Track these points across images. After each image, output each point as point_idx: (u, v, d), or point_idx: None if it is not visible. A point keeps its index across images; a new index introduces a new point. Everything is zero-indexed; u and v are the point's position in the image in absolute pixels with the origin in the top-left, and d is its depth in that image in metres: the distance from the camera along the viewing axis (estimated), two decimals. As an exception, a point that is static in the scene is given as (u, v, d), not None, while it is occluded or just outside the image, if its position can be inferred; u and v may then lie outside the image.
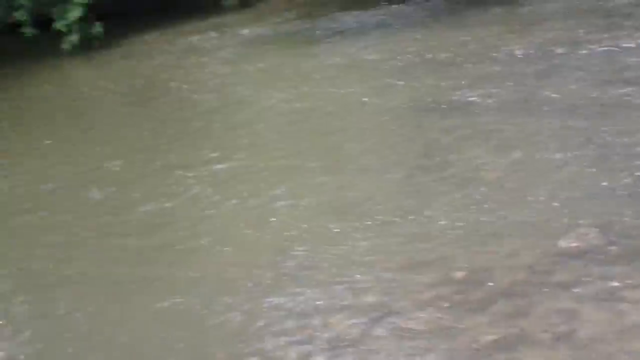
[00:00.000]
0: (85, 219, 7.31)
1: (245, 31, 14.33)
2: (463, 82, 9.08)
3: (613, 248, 5.29)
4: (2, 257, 6.86)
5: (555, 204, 5.99)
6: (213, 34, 14.59)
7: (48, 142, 9.71)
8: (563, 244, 5.46)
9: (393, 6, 13.61)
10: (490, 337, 4.77)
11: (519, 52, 9.76)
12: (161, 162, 8.39)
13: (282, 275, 5.71)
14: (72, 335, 5.50)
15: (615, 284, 4.92)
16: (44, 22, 15.02)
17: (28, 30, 15.22)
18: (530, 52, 9.71)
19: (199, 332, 5.21)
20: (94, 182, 8.04)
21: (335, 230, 6.26)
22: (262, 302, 5.43)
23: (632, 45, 9.04)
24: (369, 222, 6.31)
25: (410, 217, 6.29)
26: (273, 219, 6.61)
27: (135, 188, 7.80)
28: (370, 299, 5.29)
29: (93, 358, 5.24)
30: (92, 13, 15.00)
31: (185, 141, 8.98)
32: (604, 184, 6.12)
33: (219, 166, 7.94)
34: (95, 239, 6.88)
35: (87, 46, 15.16)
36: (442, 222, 6.14)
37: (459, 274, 5.43)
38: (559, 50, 9.46)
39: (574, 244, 5.43)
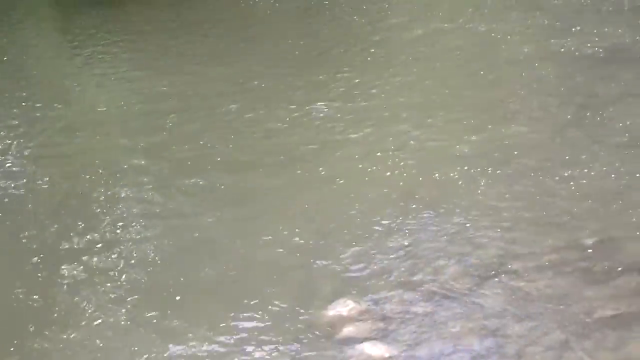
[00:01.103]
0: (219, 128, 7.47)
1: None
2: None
3: None
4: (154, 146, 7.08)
5: None
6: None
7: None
8: None
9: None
10: (608, 312, 4.54)
11: None
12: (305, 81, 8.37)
13: (402, 218, 5.65)
14: (200, 236, 5.71)
15: None
16: None
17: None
18: None
19: (309, 264, 5.28)
20: (238, 94, 8.13)
21: (466, 176, 6.11)
22: (377, 242, 5.40)
23: None
24: (504, 172, 6.11)
25: (551, 172, 6.02)
26: (407, 158, 6.49)
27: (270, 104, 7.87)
28: (489, 254, 5.15)
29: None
30: None
31: (345, 64, 8.85)
32: None
33: (359, 94, 7.84)
34: (230, 149, 7.04)
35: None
36: (585, 183, 5.84)
37: (589, 241, 5.17)
38: None
39: None
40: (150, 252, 5.54)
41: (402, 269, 5.07)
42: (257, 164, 6.61)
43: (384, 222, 5.61)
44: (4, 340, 4.75)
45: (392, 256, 5.21)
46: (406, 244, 5.32)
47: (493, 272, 4.97)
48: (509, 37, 8.99)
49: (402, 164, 6.40)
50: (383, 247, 5.31)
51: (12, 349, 4.71)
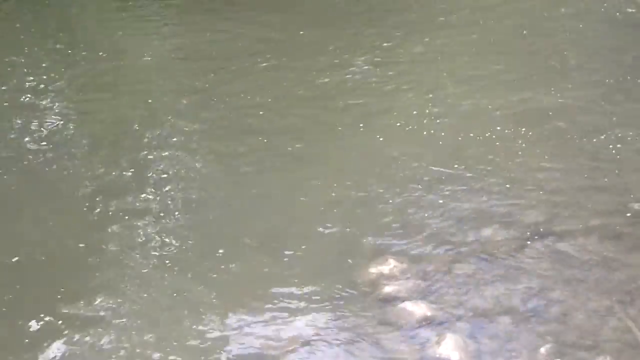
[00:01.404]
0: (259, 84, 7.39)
1: None
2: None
3: None
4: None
5: None
6: None
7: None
8: None
9: None
10: (653, 279, 4.50)
11: None
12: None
13: (445, 178, 5.59)
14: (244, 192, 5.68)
15: None
16: None
17: None
18: None
19: (351, 222, 5.25)
20: (279, 49, 8.03)
21: (509, 138, 6.03)
22: (420, 202, 5.35)
23: None
24: (547, 134, 6.04)
25: (596, 136, 5.93)
26: (449, 118, 6.41)
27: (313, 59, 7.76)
28: (532, 216, 5.10)
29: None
30: None
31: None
32: None
33: (402, 53, 7.71)
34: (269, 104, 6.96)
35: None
36: (630, 147, 5.75)
37: (635, 206, 5.10)
38: None
39: None
40: (196, 206, 5.51)
41: (445, 229, 5.04)
42: (297, 121, 6.55)
43: (426, 181, 5.56)
44: (53, 284, 4.80)
45: (434, 216, 5.17)
46: (449, 204, 5.27)
47: (537, 235, 4.92)
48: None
49: (443, 123, 6.32)
50: (425, 207, 5.26)
51: (62, 289, 4.73)
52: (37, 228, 5.32)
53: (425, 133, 6.21)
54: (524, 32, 7.95)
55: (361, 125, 6.37)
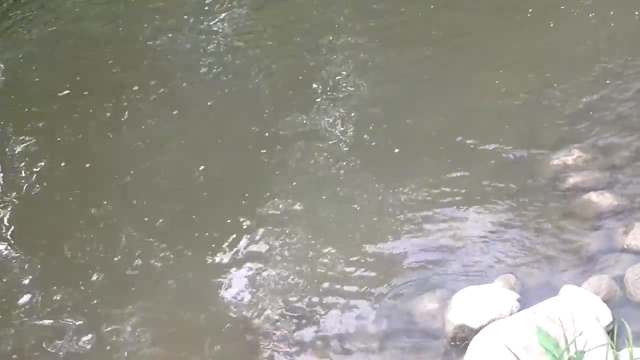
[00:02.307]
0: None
1: None
2: None
3: None
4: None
5: None
6: None
7: None
8: None
9: None
10: None
11: None
12: None
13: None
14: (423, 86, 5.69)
15: None
16: None
17: None
18: None
19: (535, 110, 5.10)
20: None
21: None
22: (607, 88, 5.10)
23: None
24: None
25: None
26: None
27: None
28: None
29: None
30: None
31: None
32: None
33: None
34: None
35: None
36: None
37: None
38: None
39: None
40: (374, 100, 5.61)
41: (634, 117, 4.81)
42: (477, 13, 6.30)
43: (615, 66, 5.28)
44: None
45: (622, 103, 4.94)
46: (638, 88, 5.01)
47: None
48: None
49: (631, 10, 5.83)
50: (612, 93, 5.04)
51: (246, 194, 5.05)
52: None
53: (607, 20, 5.82)
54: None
55: (545, 15, 6.04)
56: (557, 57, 5.56)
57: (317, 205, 4.83)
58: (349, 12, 6.76)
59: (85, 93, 6.37)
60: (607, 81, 5.18)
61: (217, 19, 7.16)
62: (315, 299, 4.21)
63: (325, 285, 4.28)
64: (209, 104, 5.99)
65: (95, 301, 4.47)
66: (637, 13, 5.79)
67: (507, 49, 5.80)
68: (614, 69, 5.28)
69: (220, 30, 7.05)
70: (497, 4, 6.34)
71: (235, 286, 4.43)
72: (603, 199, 4.28)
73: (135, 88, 6.33)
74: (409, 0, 6.64)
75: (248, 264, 4.54)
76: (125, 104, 6.15)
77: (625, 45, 5.49)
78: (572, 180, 4.48)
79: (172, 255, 4.69)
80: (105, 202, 5.19)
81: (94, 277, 4.64)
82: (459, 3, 6.54)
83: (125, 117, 5.98)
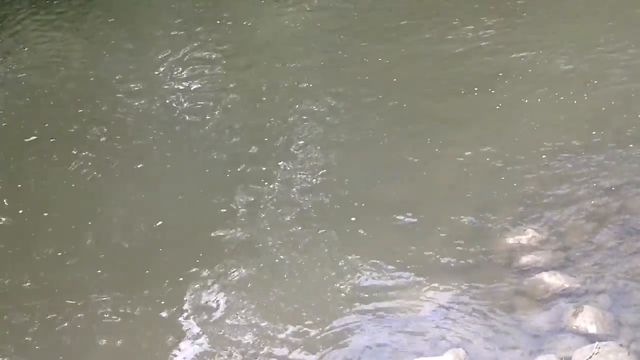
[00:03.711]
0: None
1: None
2: None
3: None
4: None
5: None
6: None
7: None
8: None
9: None
10: None
11: None
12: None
13: (591, 149, 5.41)
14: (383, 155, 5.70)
15: None
16: None
17: None
18: None
19: (491, 189, 5.20)
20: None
21: None
22: (563, 171, 5.23)
23: None
24: None
25: None
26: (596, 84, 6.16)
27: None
28: None
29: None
30: None
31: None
32: None
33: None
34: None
35: None
36: None
37: None
38: None
39: None
40: (330, 169, 5.70)
41: (589, 200, 4.92)
42: (437, 87, 6.54)
43: (570, 150, 5.42)
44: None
45: (578, 186, 5.06)
46: (594, 173, 5.14)
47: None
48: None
49: (590, 92, 6.08)
50: (569, 176, 5.16)
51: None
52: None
53: (574, 101, 6.02)
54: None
55: (505, 94, 6.24)
56: (517, 136, 5.70)
57: (271, 270, 4.84)
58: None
59: (52, 140, 6.44)
60: (565, 163, 5.30)
61: (187, 76, 7.35)
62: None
63: (269, 347, 4.27)
64: (173, 159, 6.07)
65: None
66: (597, 93, 6.02)
67: (470, 123, 5.94)
68: (572, 150, 5.42)
69: (190, 89, 7.21)
70: (473, 84, 6.50)
71: (184, 345, 4.40)
72: (555, 280, 4.35)
73: (103, 140, 6.40)
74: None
75: (197, 321, 4.53)
76: (90, 154, 6.20)
77: (584, 127, 5.65)
78: (525, 259, 4.55)
79: (122, 310, 4.67)
80: (59, 254, 5.16)
81: (34, 329, 4.61)
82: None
83: (89, 168, 6.03)
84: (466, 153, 5.57)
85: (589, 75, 6.30)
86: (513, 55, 6.76)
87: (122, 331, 4.53)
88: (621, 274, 4.34)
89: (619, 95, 5.95)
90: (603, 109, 5.83)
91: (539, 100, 6.10)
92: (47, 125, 6.72)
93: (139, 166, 6.01)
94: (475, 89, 6.35)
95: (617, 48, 6.59)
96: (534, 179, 5.20)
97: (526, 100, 6.09)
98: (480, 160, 5.47)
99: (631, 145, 5.36)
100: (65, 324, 4.60)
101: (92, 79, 7.49)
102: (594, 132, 5.56)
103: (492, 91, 6.29)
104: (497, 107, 6.09)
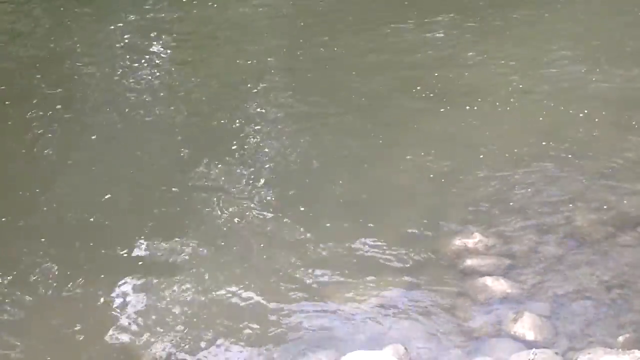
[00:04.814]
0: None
1: None
2: None
3: None
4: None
5: None
6: None
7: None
8: None
9: None
10: None
11: None
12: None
13: (541, 158, 5.53)
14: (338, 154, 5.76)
15: None
16: None
17: None
18: None
19: (440, 193, 5.29)
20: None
21: (613, 124, 5.86)
22: (513, 180, 5.32)
23: None
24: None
25: None
26: (549, 98, 6.27)
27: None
28: (629, 205, 4.99)
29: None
30: None
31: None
32: None
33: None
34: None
35: None
36: None
37: None
38: None
39: None
40: (285, 171, 5.70)
41: (536, 208, 5.01)
42: (401, 93, 6.57)
43: (521, 159, 5.52)
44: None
45: (527, 195, 5.15)
46: (543, 184, 5.23)
47: (630, 225, 4.83)
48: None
49: (543, 103, 6.20)
50: (519, 185, 5.25)
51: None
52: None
53: (526, 112, 6.13)
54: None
55: (467, 106, 6.27)
56: (472, 143, 5.76)
57: (218, 256, 4.82)
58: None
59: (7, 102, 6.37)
60: (516, 172, 5.39)
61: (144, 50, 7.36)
62: (202, 346, 4.19)
63: (211, 335, 4.25)
64: (128, 135, 6.03)
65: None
66: (551, 104, 6.15)
67: (426, 129, 5.99)
68: (524, 160, 5.51)
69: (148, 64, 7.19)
70: (434, 89, 6.55)
71: (123, 325, 4.35)
72: (497, 285, 4.41)
73: (59, 107, 6.31)
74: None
75: (136, 300, 4.50)
76: (45, 122, 6.13)
77: (535, 138, 5.75)
78: (471, 262, 4.61)
79: (59, 284, 4.61)
80: (3, 219, 5.08)
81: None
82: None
83: (43, 133, 5.96)
84: (418, 156, 5.63)
85: (541, 86, 6.43)
86: (473, 62, 6.88)
87: (58, 306, 4.46)
88: (562, 284, 4.42)
89: (571, 107, 6.07)
90: (555, 120, 5.94)
91: (496, 109, 6.18)
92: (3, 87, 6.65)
93: (92, 137, 5.96)
94: (431, 95, 6.42)
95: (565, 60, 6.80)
96: (485, 185, 5.27)
97: (480, 109, 6.17)
98: (433, 164, 5.54)
99: (580, 158, 5.47)
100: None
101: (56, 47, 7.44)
102: (543, 143, 5.66)
103: (445, 99, 6.34)
104: (452, 115, 6.13)
